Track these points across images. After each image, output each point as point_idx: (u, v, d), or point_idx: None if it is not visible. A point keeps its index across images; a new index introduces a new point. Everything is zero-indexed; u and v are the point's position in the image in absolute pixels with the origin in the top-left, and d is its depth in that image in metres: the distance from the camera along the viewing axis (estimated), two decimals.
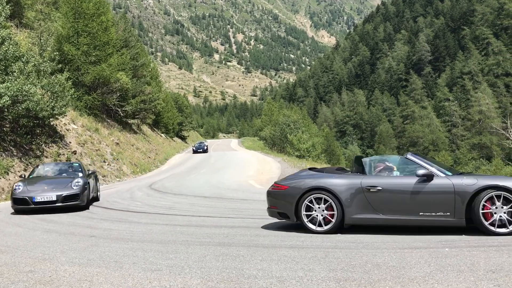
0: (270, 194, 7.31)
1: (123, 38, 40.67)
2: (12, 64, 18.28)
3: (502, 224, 5.85)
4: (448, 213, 6.08)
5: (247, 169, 28.81)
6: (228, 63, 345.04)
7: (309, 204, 6.65)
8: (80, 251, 5.77)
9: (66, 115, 23.80)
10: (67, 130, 23.97)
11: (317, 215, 6.64)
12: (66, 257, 5.38)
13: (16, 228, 8.42)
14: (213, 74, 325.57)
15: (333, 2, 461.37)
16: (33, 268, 4.83)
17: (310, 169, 7.62)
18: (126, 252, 5.62)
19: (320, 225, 6.62)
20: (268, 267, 4.53)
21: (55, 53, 24.85)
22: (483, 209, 5.87)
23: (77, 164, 13.38)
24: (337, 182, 6.62)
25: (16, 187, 10.97)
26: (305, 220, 6.68)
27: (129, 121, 42.52)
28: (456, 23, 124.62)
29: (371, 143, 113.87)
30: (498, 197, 5.82)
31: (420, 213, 6.23)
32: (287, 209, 6.83)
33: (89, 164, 22.82)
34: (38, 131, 20.35)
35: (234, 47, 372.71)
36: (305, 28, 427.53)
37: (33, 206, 10.62)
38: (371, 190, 6.44)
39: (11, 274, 4.60)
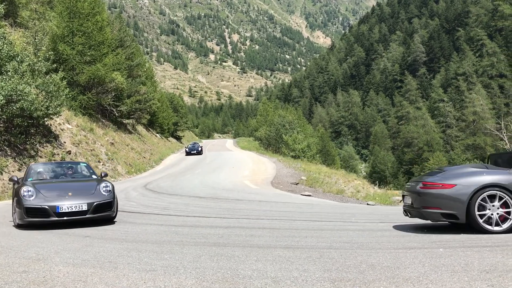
0: (425, 194, 6.69)
1: (118, 38, 40.55)
2: (7, 63, 18.20)
3: None
4: None
5: (242, 169, 28.80)
6: (224, 63, 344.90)
7: (482, 202, 6.31)
8: (75, 251, 5.75)
9: (60, 115, 23.71)
10: (62, 130, 23.87)
11: (492, 214, 6.31)
12: (60, 257, 5.35)
13: (9, 228, 8.37)
14: (208, 74, 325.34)
15: (328, 3, 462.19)
16: (27, 268, 4.81)
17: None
18: (120, 252, 5.61)
19: (497, 224, 6.30)
20: (263, 267, 4.53)
21: (49, 53, 24.74)
22: None
23: (85, 164, 10.87)
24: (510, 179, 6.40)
25: (26, 193, 8.13)
26: (480, 220, 6.31)
27: (124, 121, 42.40)
28: (451, 24, 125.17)
29: (366, 143, 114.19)
30: None
31: None
32: (456, 209, 6.37)
33: None
34: (32, 131, 20.27)
35: (229, 47, 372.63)
36: (301, 29, 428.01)
37: (56, 218, 7.93)
38: None
39: (4, 274, 4.58)
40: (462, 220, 6.35)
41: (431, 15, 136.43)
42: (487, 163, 7.42)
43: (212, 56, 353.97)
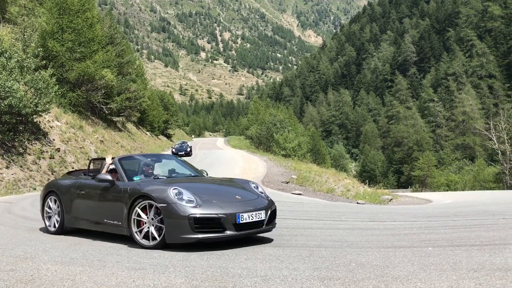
0: None
1: (108, 35, 40.28)
2: None
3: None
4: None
5: (233, 168, 28.77)
6: (215, 62, 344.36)
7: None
8: (63, 250, 5.70)
9: (49, 112, 23.50)
10: (51, 127, 23.68)
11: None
12: (49, 256, 5.31)
13: None
14: (199, 72, 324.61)
15: (320, 2, 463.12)
16: (15, 267, 4.76)
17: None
18: (109, 251, 5.57)
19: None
20: (253, 266, 4.52)
21: (39, 49, 24.51)
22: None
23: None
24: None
25: (179, 196, 5.52)
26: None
27: (114, 119, 42.16)
28: (441, 25, 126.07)
29: (356, 142, 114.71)
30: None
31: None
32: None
33: (73, 162, 22.58)
34: (21, 128, 20.07)
35: (221, 45, 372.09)
36: (292, 28, 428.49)
37: (235, 232, 5.47)
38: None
39: None
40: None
41: (421, 15, 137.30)
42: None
43: (203, 54, 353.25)
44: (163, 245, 5.52)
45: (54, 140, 22.52)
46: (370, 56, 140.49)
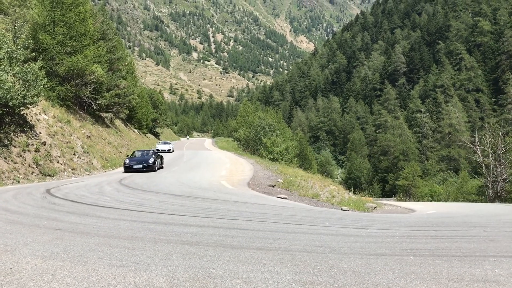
0: None
1: (100, 30, 40.05)
2: None
3: None
4: None
5: (219, 169, 28.71)
6: (206, 62, 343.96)
7: None
8: (44, 244, 5.64)
9: (37, 105, 23.27)
10: (38, 120, 23.44)
11: None
12: (29, 249, 5.25)
13: None
14: (190, 72, 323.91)
15: (313, 9, 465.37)
16: None
17: None
18: (91, 246, 5.53)
19: None
20: (235, 268, 4.52)
21: (29, 41, 24.25)
22: None
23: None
24: None
25: None
26: None
27: (102, 115, 41.87)
28: (432, 37, 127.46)
29: (343, 149, 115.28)
30: None
31: None
32: None
33: (59, 156, 22.36)
34: (7, 120, 19.83)
35: (213, 46, 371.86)
36: (285, 33, 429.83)
37: None
38: None
39: None
40: None
41: (413, 27, 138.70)
42: None
43: (195, 54, 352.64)
44: None
45: (40, 133, 22.30)
46: (360, 64, 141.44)
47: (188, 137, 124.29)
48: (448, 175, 72.97)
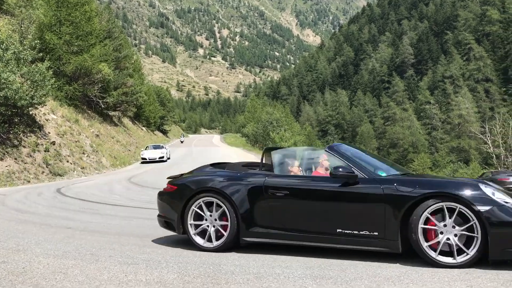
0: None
1: (106, 29, 40.17)
2: None
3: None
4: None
5: None
6: (213, 58, 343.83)
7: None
8: (56, 243, 5.68)
9: (45, 105, 23.42)
10: (46, 120, 23.59)
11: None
12: (41, 249, 5.29)
13: None
14: (197, 68, 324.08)
15: (319, 2, 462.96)
16: (6, 259, 4.74)
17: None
18: (102, 245, 5.56)
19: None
20: (246, 263, 4.52)
21: (36, 41, 24.39)
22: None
23: None
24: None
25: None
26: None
27: (110, 113, 42.07)
28: (440, 27, 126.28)
29: (352, 143, 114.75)
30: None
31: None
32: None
33: (68, 156, 22.50)
34: (16, 120, 19.98)
35: (219, 42, 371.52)
36: (291, 26, 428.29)
37: None
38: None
39: None
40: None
41: (420, 18, 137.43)
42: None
43: (201, 51, 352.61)
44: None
45: (49, 133, 22.44)
46: (368, 57, 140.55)
47: (183, 136, 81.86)
48: (458, 167, 72.45)
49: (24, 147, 19.40)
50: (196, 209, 5.15)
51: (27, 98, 19.30)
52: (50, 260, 4.68)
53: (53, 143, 21.85)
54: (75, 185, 16.66)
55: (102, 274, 4.13)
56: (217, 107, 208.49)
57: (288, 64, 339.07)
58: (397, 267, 4.32)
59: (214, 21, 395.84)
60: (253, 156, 37.11)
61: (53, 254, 4.99)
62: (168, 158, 34.29)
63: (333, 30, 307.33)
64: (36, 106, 20.87)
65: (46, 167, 19.81)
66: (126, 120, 49.94)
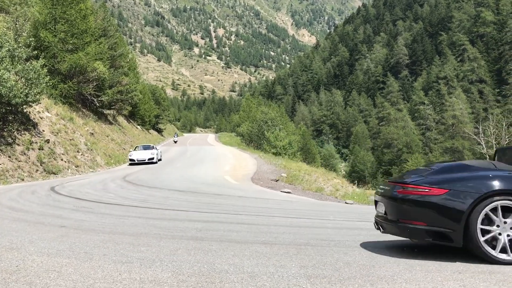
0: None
1: (101, 27, 40.03)
2: None
3: None
4: None
5: (223, 164, 28.75)
6: (208, 58, 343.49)
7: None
8: (50, 241, 5.66)
9: (40, 103, 23.32)
10: (41, 118, 23.49)
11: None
12: (35, 247, 5.27)
13: None
14: (192, 67, 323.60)
15: (314, 2, 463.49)
16: (0, 257, 4.72)
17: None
18: (96, 243, 5.55)
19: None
20: (240, 262, 4.53)
21: (30, 39, 24.27)
22: None
23: None
24: None
25: None
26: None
27: (104, 112, 41.93)
28: (434, 28, 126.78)
29: (346, 143, 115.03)
30: None
31: None
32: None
33: (62, 154, 22.41)
34: (10, 118, 19.89)
35: (214, 41, 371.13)
36: (286, 26, 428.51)
37: None
38: None
39: None
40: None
41: (415, 18, 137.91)
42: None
43: (196, 50, 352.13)
44: None
45: (43, 131, 22.35)
46: (363, 57, 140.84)
47: (176, 135, 71.99)
48: None
49: (18, 145, 19.31)
50: (489, 212, 4.33)
51: (22, 96, 19.21)
52: (43, 259, 4.67)
53: (48, 141, 21.76)
54: (69, 183, 16.61)
55: (96, 273, 4.12)
56: (212, 106, 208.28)
57: (283, 63, 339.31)
58: (390, 267, 4.34)
59: (210, 20, 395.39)
60: (247, 155, 37.11)
61: (47, 253, 4.97)
62: (159, 160, 32.08)
63: (328, 30, 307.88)
64: (30, 104, 20.78)
65: (40, 165, 19.72)
66: (121, 119, 49.81)
